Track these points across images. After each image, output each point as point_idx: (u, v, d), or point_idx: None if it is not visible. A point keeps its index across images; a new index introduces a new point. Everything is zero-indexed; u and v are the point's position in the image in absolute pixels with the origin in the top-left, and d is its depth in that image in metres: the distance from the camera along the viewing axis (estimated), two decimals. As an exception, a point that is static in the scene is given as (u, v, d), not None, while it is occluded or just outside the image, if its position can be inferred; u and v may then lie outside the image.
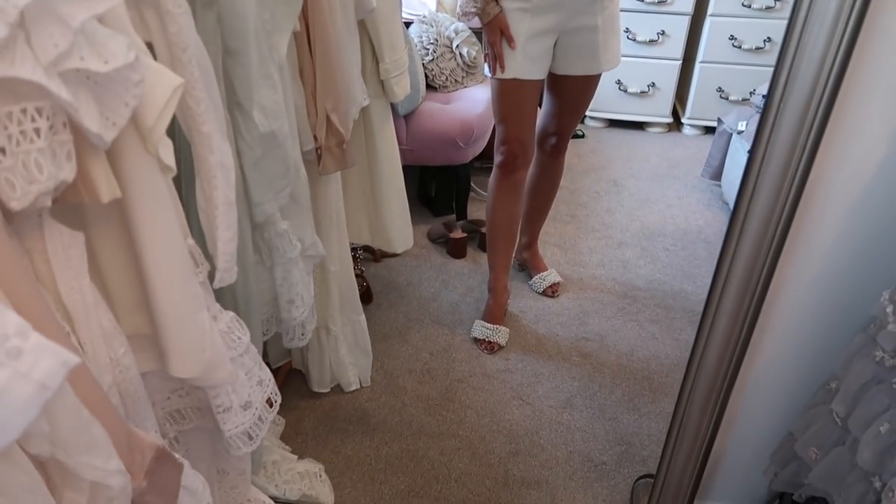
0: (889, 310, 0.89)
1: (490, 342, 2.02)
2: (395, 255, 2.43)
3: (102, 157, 0.69)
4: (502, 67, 1.82)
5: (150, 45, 0.81)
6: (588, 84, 1.96)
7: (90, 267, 0.83)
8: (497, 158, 1.98)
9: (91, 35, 0.59)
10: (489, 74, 1.88)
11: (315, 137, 1.40)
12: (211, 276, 0.94)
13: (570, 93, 1.97)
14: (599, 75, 1.95)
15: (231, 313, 0.99)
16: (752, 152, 0.86)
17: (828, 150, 0.89)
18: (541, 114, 2.11)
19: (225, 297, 1.21)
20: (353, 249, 2.15)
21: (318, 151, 1.42)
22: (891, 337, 0.86)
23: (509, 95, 1.89)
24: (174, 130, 1.02)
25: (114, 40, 0.60)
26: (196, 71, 0.81)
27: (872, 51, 0.84)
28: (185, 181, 1.05)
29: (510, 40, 1.78)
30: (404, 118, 2.44)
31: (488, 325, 2.05)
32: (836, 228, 0.98)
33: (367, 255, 2.38)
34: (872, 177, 0.94)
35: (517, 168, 1.97)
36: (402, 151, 2.44)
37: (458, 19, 1.86)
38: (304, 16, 1.28)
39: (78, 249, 0.73)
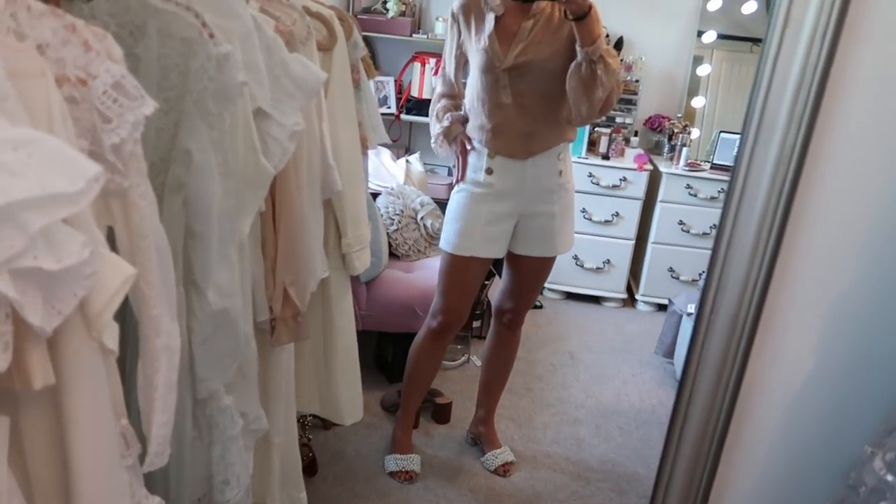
0: (829, 525, 0.89)
1: (407, 472, 2.11)
2: (345, 423, 2.36)
3: (42, 344, 0.69)
4: (462, 178, 1.95)
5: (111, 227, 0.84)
6: (544, 265, 2.06)
7: (13, 449, 0.80)
8: (431, 324, 2.06)
9: (49, 234, 0.61)
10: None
11: (271, 308, 1.41)
12: (142, 457, 0.90)
13: (527, 271, 2.05)
14: (555, 257, 2.05)
15: (157, 498, 0.94)
16: (686, 365, 0.89)
17: (759, 358, 0.93)
18: (499, 289, 2.18)
19: (155, 476, 1.15)
20: (303, 416, 2.09)
21: (273, 323, 1.43)
22: (832, 556, 0.85)
23: (460, 271, 1.98)
24: (126, 305, 1.02)
25: (71, 239, 0.62)
26: (153, 257, 0.83)
27: (791, 269, 0.90)
28: (130, 355, 1.04)
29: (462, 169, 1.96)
30: (365, 284, 2.48)
31: (401, 455, 2.13)
32: (774, 433, 1.00)
33: (316, 422, 2.30)
34: (803, 384, 0.97)
35: (449, 336, 2.09)
36: (361, 316, 2.47)
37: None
38: (272, 194, 1.35)
39: (1, 437, 0.71)
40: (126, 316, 1.04)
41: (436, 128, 2.02)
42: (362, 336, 2.30)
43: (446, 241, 1.97)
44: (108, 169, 0.76)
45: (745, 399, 0.95)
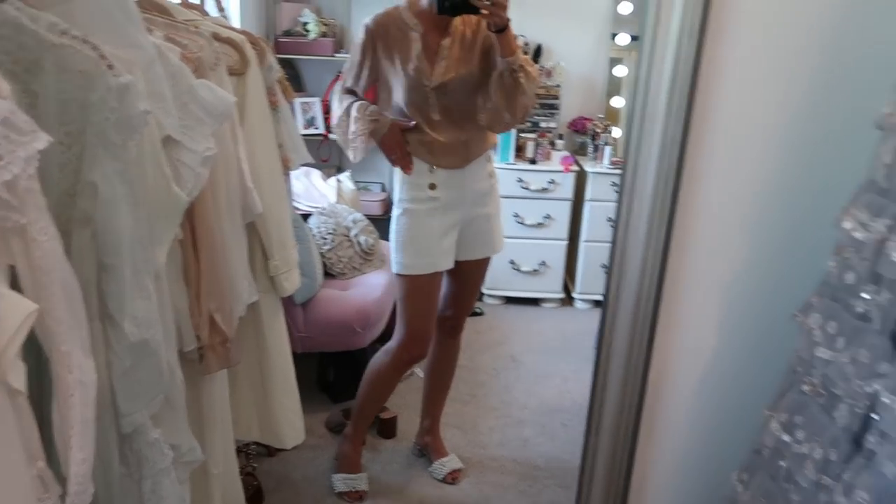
0: (739, 489, 0.94)
1: (357, 491, 2.10)
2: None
3: (-59, 389, 0.68)
4: (411, 166, 1.90)
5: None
6: (483, 266, 2.12)
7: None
8: (403, 356, 2.02)
9: (-63, 275, 0.60)
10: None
11: (198, 337, 1.40)
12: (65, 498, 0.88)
13: (469, 275, 2.09)
14: (491, 257, 2.11)
15: (84, 539, 0.92)
16: (597, 354, 0.93)
17: (664, 341, 0.98)
18: (440, 297, 2.20)
19: (85, 517, 1.12)
20: (246, 444, 2.06)
21: (201, 351, 1.41)
22: (745, 519, 0.91)
23: (425, 291, 1.97)
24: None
25: (-39, 279, 0.61)
26: (59, 292, 0.82)
27: (685, 254, 0.96)
28: (46, 396, 1.01)
29: (408, 157, 1.90)
30: (301, 306, 2.47)
31: (351, 475, 2.12)
32: (687, 410, 1.06)
33: (260, 450, 2.27)
34: (708, 361, 1.03)
35: (417, 362, 2.07)
36: (299, 338, 2.45)
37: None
38: (190, 221, 1.34)
39: None
40: (42, 355, 1.02)
41: (348, 123, 1.91)
42: (303, 358, 2.29)
43: (405, 266, 1.94)
44: (2, 206, 0.75)
45: (655, 381, 1.00)
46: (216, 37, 1.50)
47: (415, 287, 1.95)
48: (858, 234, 0.85)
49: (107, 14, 1.07)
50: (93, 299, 1.04)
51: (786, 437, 0.87)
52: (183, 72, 1.22)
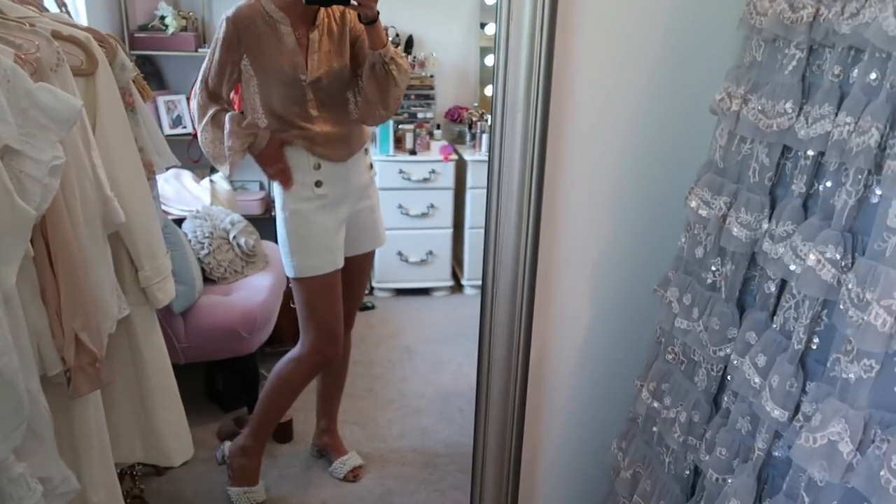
0: (619, 457, 1.00)
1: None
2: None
3: None
4: (290, 181, 1.84)
5: None
6: (370, 259, 2.12)
7: None
8: (314, 359, 1.97)
9: None
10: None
11: (63, 359, 1.30)
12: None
13: (357, 269, 2.08)
14: (375, 250, 2.10)
15: None
16: (480, 337, 0.96)
17: (542, 320, 1.02)
18: None
19: (-58, 570, 1.02)
20: (131, 466, 1.95)
21: (68, 374, 1.32)
22: (624, 484, 0.96)
23: (329, 290, 1.92)
24: None
25: None
26: None
27: (554, 235, 1.00)
28: None
29: (287, 172, 1.84)
30: (181, 315, 2.35)
31: (251, 488, 2.06)
32: (569, 384, 1.11)
33: (147, 470, 2.15)
34: (586, 335, 1.08)
35: (331, 363, 2.03)
36: (181, 349, 2.34)
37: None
38: (43, 236, 1.24)
39: None
40: None
41: (217, 136, 1.82)
42: (188, 369, 2.19)
43: (305, 268, 1.88)
44: None
45: (537, 360, 1.04)
46: (56, 35, 1.39)
47: (320, 287, 1.91)
48: (703, 212, 0.93)
49: (-80, 14, 0.96)
50: (-70, 331, 0.94)
51: (655, 404, 0.94)
52: (18, 75, 1.12)
